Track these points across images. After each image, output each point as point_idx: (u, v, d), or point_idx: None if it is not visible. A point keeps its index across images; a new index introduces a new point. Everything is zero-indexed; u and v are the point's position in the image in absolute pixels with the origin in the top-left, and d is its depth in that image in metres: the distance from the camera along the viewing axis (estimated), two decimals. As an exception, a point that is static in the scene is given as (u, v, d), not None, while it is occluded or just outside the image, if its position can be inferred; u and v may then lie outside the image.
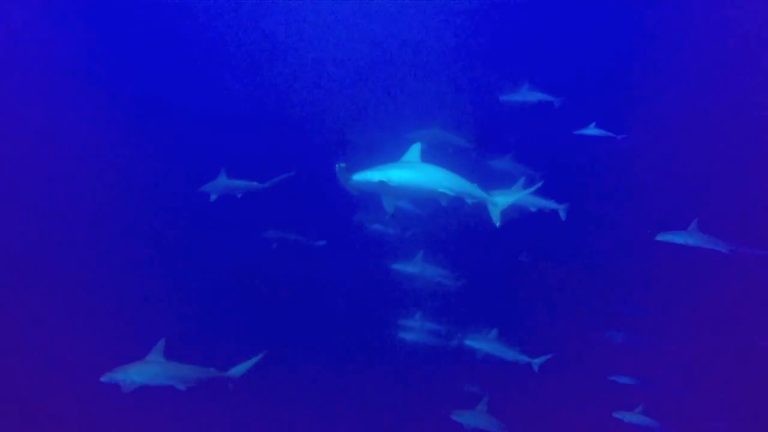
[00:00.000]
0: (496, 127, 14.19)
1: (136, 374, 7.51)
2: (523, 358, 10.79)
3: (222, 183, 11.60)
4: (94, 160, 14.71)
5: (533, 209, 10.98)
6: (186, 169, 13.11)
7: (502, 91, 13.73)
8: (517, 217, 11.38)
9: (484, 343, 10.98)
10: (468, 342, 11.03)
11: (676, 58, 15.05)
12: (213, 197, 11.56)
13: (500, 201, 6.87)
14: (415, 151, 6.79)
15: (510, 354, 10.85)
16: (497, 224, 6.85)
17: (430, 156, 10.95)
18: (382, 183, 6.05)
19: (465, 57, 16.10)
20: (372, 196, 6.71)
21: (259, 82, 16.60)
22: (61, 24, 15.39)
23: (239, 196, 11.57)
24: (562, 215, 11.08)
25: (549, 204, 11.01)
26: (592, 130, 13.41)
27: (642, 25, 15.68)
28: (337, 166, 5.89)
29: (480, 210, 12.32)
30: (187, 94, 16.19)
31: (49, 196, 14.20)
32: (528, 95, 13.70)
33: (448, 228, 13.47)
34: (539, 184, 6.83)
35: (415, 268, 12.38)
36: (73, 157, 14.68)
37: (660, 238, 9.13)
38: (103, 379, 7.36)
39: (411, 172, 6.44)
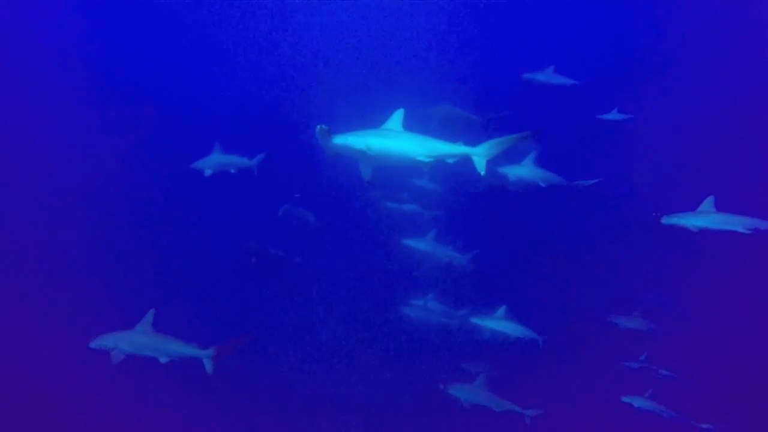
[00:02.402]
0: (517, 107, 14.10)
1: (124, 343, 7.50)
2: (530, 335, 10.61)
3: (216, 159, 11.48)
4: (88, 140, 14.75)
5: (543, 184, 10.80)
6: (181, 146, 12.87)
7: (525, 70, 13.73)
8: (530, 196, 11.45)
9: (490, 322, 10.83)
10: (474, 320, 10.90)
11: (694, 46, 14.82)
12: (207, 172, 11.40)
13: (484, 151, 6.67)
14: (397, 118, 6.76)
15: (516, 331, 10.67)
16: (482, 173, 6.69)
17: (440, 130, 11.08)
18: (361, 151, 6.17)
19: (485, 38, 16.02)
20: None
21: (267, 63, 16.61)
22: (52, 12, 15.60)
23: (233, 171, 11.51)
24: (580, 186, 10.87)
25: (558, 180, 10.82)
26: (614, 115, 13.34)
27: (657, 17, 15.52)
28: (318, 127, 5.95)
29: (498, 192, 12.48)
30: (184, 73, 16.26)
31: (46, 173, 14.31)
32: (552, 77, 13.67)
33: (465, 209, 13.49)
34: (526, 134, 6.50)
35: (426, 245, 12.31)
36: (66, 135, 14.79)
37: (667, 221, 8.45)
38: (91, 345, 7.40)
39: (390, 140, 6.47)
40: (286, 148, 12.81)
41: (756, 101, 14.25)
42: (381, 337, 12.63)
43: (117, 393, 10.79)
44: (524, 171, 11.00)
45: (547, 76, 13.68)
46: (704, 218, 8.35)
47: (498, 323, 10.75)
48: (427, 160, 6.48)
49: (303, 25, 16.63)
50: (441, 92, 13.32)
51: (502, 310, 10.86)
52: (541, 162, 11.16)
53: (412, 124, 6.99)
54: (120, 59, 16.10)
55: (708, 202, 8.47)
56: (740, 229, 8.15)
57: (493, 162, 10.42)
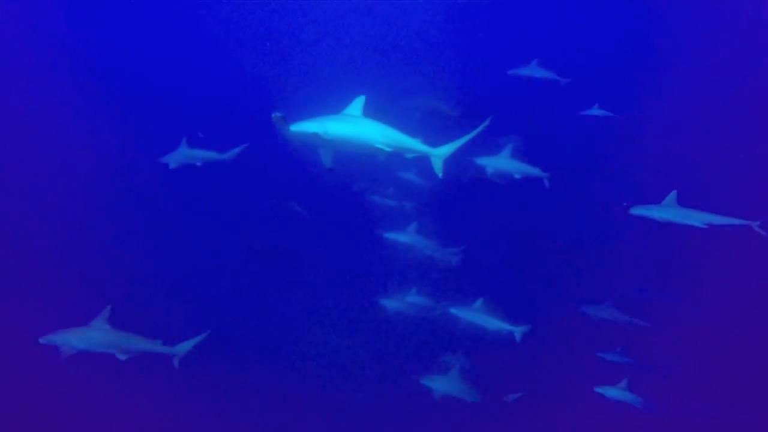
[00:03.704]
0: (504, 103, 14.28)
1: (76, 339, 7.30)
2: (506, 327, 10.76)
3: (183, 153, 11.55)
4: (50, 130, 14.69)
5: (517, 176, 10.98)
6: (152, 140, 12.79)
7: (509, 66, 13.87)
8: (513, 188, 11.61)
9: (467, 312, 10.99)
10: (452, 310, 11.05)
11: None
12: (172, 165, 11.47)
13: (442, 153, 6.76)
14: (357, 104, 6.70)
15: (493, 323, 10.82)
16: (440, 175, 6.79)
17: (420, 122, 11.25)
18: (316, 135, 6.03)
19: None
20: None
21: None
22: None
23: (199, 164, 11.53)
24: (547, 183, 11.04)
25: (533, 171, 10.99)
26: (596, 111, 13.52)
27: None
28: (273, 115, 5.83)
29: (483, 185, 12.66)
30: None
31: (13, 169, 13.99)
32: (535, 71, 13.83)
33: (449, 201, 13.67)
34: (480, 129, 6.69)
35: (408, 238, 12.49)
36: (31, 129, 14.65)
37: (634, 211, 8.83)
38: (41, 340, 7.21)
39: (347, 126, 6.37)
40: (266, 142, 12.89)
41: (735, 101, 14.38)
42: (361, 330, 12.79)
43: (103, 393, 10.76)
44: (501, 162, 11.17)
45: (531, 69, 13.85)
46: (667, 211, 8.75)
47: (475, 315, 10.91)
48: (385, 148, 6.40)
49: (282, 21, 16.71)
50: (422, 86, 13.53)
51: (479, 302, 11.03)
52: (519, 154, 11.35)
53: (383, 115, 6.91)
54: (108, 55, 16.17)
55: (671, 197, 8.86)
56: (697, 224, 8.55)
57: (471, 153, 10.75)
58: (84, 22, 16.13)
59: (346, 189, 13.52)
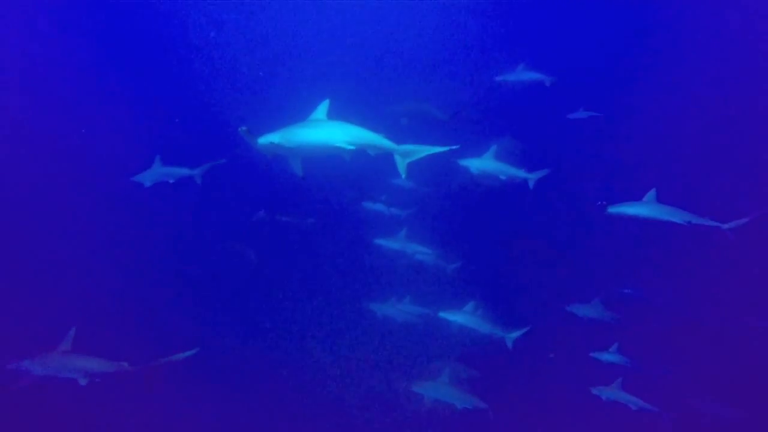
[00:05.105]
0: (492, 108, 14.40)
1: (39, 365, 7.25)
2: (497, 332, 10.75)
3: (156, 171, 11.46)
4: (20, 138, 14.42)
5: (503, 177, 11.02)
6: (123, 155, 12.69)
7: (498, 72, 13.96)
8: (503, 192, 11.68)
9: (458, 316, 10.97)
10: (442, 315, 11.03)
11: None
12: (147, 184, 11.40)
13: (405, 150, 6.63)
14: (322, 109, 6.69)
15: (484, 327, 10.81)
16: (403, 175, 6.72)
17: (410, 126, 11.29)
18: (278, 144, 6.11)
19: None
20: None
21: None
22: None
23: (172, 181, 11.44)
24: (531, 185, 11.06)
25: (518, 173, 11.02)
26: (582, 113, 13.59)
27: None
28: (239, 130, 5.91)
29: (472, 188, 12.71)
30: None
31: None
32: (522, 75, 13.87)
33: (440, 206, 13.76)
34: (446, 149, 6.66)
35: (397, 244, 12.55)
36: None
37: (612, 210, 8.80)
38: (8, 367, 7.14)
39: (308, 131, 6.40)
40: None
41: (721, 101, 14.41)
42: (352, 336, 12.83)
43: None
44: (485, 164, 11.19)
45: (518, 74, 13.90)
46: (646, 208, 8.74)
47: (466, 318, 10.90)
48: (348, 147, 6.36)
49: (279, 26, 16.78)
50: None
51: (470, 306, 11.02)
52: (506, 156, 11.39)
53: (369, 120, 6.87)
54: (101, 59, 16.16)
55: (650, 195, 8.85)
56: (677, 221, 8.55)
57: (456, 155, 10.81)
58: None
59: (337, 196, 13.67)
